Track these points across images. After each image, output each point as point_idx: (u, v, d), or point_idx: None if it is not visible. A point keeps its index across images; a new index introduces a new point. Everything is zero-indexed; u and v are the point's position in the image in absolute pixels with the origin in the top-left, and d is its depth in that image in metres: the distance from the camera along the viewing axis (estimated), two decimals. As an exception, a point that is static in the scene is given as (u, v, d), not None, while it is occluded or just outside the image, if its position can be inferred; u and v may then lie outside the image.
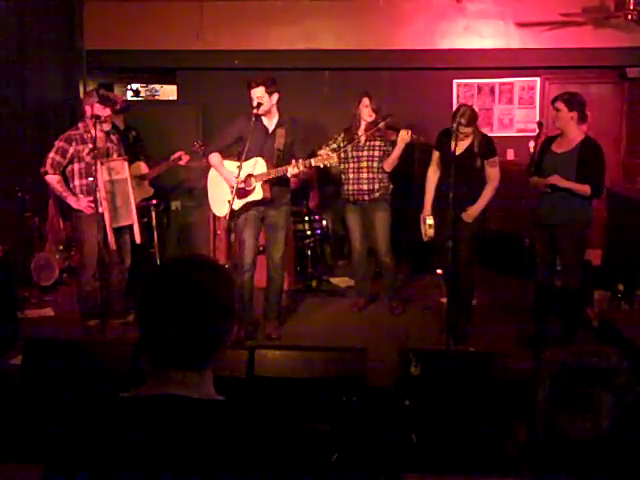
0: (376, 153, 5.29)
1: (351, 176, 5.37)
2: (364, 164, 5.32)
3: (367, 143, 5.30)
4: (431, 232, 4.93)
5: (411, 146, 6.46)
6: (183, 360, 1.29)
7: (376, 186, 5.32)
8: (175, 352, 1.29)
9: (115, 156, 4.96)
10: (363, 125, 5.27)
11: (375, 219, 5.38)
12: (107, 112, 4.82)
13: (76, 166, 4.80)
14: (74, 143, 4.77)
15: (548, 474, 1.27)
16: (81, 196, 4.79)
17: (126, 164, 5.00)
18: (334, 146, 5.34)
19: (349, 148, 5.29)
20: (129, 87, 8.79)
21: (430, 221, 4.94)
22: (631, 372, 1.26)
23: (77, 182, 4.82)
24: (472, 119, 4.61)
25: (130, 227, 4.99)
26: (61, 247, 6.02)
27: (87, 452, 1.24)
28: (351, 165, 5.36)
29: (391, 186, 5.39)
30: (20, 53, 6.10)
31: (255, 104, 4.51)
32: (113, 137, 5.02)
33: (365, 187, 5.33)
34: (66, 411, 1.33)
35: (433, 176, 4.98)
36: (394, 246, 5.52)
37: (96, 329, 4.76)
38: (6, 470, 2.13)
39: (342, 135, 5.40)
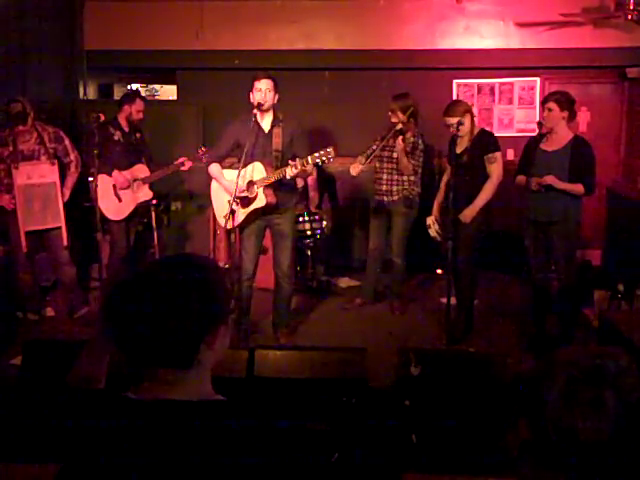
0: (394, 155, 5.27)
1: (375, 176, 5.44)
2: (384, 165, 5.35)
3: (390, 144, 5.25)
4: (431, 232, 4.99)
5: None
6: (159, 359, 1.27)
7: (394, 188, 5.31)
8: (148, 351, 1.26)
9: (44, 159, 5.04)
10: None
11: (392, 220, 5.40)
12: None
13: (0, 166, 5.02)
14: None
15: (549, 473, 1.27)
16: (5, 194, 5.00)
17: (55, 168, 5.06)
18: (369, 152, 5.22)
19: (380, 147, 5.23)
20: (129, 87, 8.78)
21: (428, 222, 5.00)
22: (637, 374, 1.27)
23: (4, 181, 5.03)
24: (449, 109, 4.64)
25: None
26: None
27: (99, 456, 1.24)
28: (376, 165, 5.41)
29: (417, 189, 5.35)
30: (20, 53, 6.10)
31: (256, 103, 4.37)
32: (47, 137, 5.10)
33: (384, 188, 5.36)
34: (65, 411, 1.32)
35: (445, 179, 5.06)
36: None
37: (35, 323, 5.13)
38: (6, 470, 2.13)
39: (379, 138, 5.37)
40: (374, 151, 5.20)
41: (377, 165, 5.40)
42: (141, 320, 1.24)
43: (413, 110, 5.16)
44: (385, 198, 5.36)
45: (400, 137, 5.10)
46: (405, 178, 5.28)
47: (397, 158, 5.23)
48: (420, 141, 5.24)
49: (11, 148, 4.97)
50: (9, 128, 4.99)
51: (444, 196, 4.94)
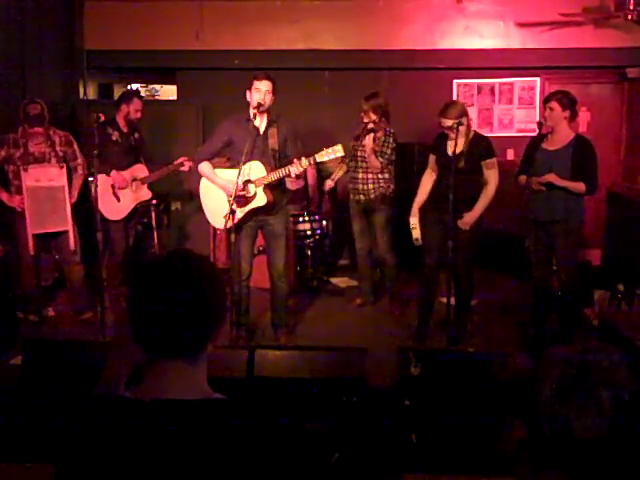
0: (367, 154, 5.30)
1: (351, 175, 5.49)
2: (359, 164, 5.39)
3: (364, 143, 5.31)
4: (415, 233, 4.91)
5: (410, 148, 6.49)
6: (172, 348, 1.31)
7: (370, 186, 5.34)
8: (164, 340, 1.30)
9: (54, 162, 5.08)
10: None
11: (373, 218, 5.43)
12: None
13: (11, 167, 5.05)
14: (5, 147, 5.03)
15: (546, 471, 1.27)
16: (16, 195, 5.02)
17: (63, 171, 5.09)
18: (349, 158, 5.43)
19: (354, 147, 5.37)
20: (129, 87, 8.78)
21: (413, 223, 4.92)
22: (630, 370, 1.27)
23: (14, 182, 5.05)
24: (446, 111, 4.56)
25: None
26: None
27: (96, 455, 1.25)
28: (352, 164, 5.46)
29: (392, 186, 5.39)
30: (20, 53, 6.09)
31: (256, 104, 4.37)
32: (58, 141, 5.14)
33: (360, 186, 5.40)
34: (66, 411, 1.33)
35: (427, 179, 4.91)
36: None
37: (36, 323, 5.13)
38: (6, 470, 2.13)
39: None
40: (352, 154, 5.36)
41: (352, 165, 5.44)
42: (159, 310, 1.28)
43: (384, 109, 5.25)
44: (362, 197, 5.40)
45: (369, 136, 5.19)
46: (380, 176, 5.31)
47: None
48: (391, 139, 5.27)
49: (22, 150, 5.01)
50: (23, 129, 5.02)
51: (433, 199, 4.85)
